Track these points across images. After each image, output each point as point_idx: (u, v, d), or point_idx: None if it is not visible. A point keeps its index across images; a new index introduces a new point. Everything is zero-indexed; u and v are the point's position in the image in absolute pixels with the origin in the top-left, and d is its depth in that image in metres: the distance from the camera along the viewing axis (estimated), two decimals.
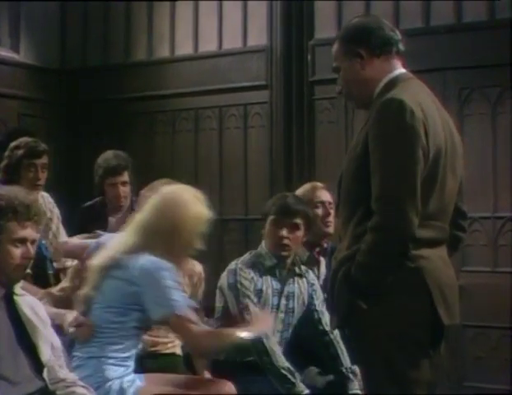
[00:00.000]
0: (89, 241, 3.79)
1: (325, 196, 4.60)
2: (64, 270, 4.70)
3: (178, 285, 3.26)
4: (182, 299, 3.24)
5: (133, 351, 3.38)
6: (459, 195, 3.12)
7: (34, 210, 3.08)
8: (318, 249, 4.58)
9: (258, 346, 3.92)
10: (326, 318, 4.15)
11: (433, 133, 2.91)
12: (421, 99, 2.95)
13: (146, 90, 7.20)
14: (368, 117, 2.98)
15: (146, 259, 3.25)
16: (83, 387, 3.11)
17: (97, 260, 3.37)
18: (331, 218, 4.52)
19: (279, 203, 4.21)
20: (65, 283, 4.01)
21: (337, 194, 3.17)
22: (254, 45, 6.82)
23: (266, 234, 4.22)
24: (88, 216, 5.08)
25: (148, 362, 3.77)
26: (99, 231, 4.18)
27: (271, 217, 4.18)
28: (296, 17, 6.62)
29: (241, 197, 6.69)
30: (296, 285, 4.24)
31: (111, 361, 3.27)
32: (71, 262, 4.61)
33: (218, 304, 4.19)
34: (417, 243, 2.86)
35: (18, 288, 3.13)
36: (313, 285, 4.30)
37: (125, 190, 5.02)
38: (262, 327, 3.45)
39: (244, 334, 3.37)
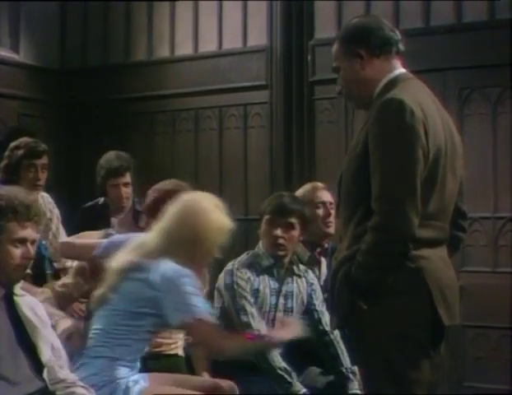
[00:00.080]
0: (98, 241, 3.76)
1: (326, 196, 4.60)
2: (64, 270, 4.70)
3: (198, 291, 3.25)
4: (202, 305, 3.24)
5: (141, 353, 3.38)
6: (459, 195, 3.12)
7: (34, 210, 3.07)
8: (318, 250, 4.58)
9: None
10: (326, 318, 4.15)
11: (433, 133, 2.91)
12: (421, 99, 2.95)
13: (146, 90, 7.20)
14: (368, 117, 2.98)
15: (167, 266, 3.24)
16: (83, 387, 3.10)
17: (116, 262, 3.35)
18: (331, 218, 4.51)
19: (274, 203, 4.21)
20: (67, 279, 4.01)
21: (337, 194, 3.17)
22: (254, 45, 6.82)
23: (262, 234, 4.23)
24: (89, 216, 5.08)
25: (151, 363, 3.77)
26: (109, 230, 4.17)
27: (266, 217, 4.18)
28: (296, 17, 6.62)
29: (241, 197, 6.69)
30: (295, 284, 4.24)
31: (118, 362, 3.27)
32: (71, 263, 4.61)
33: (216, 304, 4.20)
34: (417, 243, 2.86)
35: (18, 288, 3.13)
36: (312, 284, 4.30)
37: (127, 191, 5.02)
38: (286, 332, 3.43)
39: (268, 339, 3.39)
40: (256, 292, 4.12)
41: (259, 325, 4.05)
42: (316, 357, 4.25)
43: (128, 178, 5.02)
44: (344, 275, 2.92)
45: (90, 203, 5.23)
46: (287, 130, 6.58)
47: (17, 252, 3.03)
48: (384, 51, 3.06)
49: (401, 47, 3.10)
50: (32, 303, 3.16)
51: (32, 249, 3.07)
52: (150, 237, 3.37)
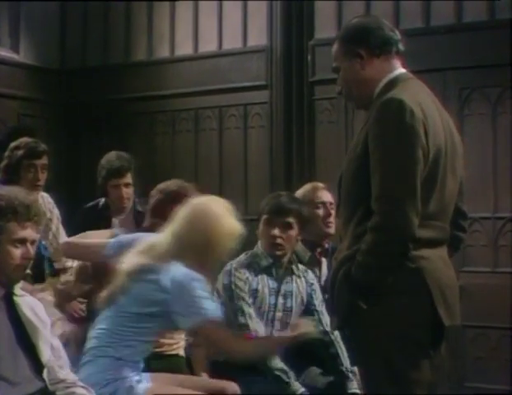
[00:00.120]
0: (102, 241, 3.74)
1: (326, 196, 4.59)
2: (64, 270, 4.70)
3: (208, 294, 3.25)
4: (213, 308, 3.24)
5: (145, 354, 3.38)
6: (459, 195, 3.12)
7: (34, 210, 3.07)
8: (319, 250, 4.57)
9: None
10: (326, 318, 4.15)
11: (433, 133, 2.90)
12: (420, 99, 2.95)
13: (146, 91, 7.20)
14: (368, 117, 2.98)
15: (178, 269, 3.24)
16: (83, 387, 3.10)
17: (126, 262, 3.34)
18: (332, 219, 4.51)
19: (272, 202, 4.20)
20: (69, 277, 3.99)
21: (337, 194, 3.17)
22: (254, 45, 6.82)
23: (260, 234, 4.23)
24: (90, 216, 5.08)
25: (152, 363, 3.77)
26: (116, 230, 4.14)
27: (264, 217, 4.18)
28: (296, 17, 6.62)
29: (241, 197, 6.68)
30: (294, 284, 4.24)
31: (123, 362, 3.26)
32: (71, 263, 4.60)
33: None
34: (417, 243, 2.86)
35: (18, 288, 3.13)
36: (312, 284, 4.30)
37: (128, 191, 5.02)
38: (300, 333, 3.43)
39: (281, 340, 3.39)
40: (255, 292, 4.12)
41: (257, 326, 4.05)
42: (316, 357, 4.24)
43: (129, 178, 5.01)
44: (344, 275, 2.92)
45: (90, 204, 5.23)
46: (287, 130, 6.58)
47: (17, 252, 3.03)
48: (383, 51, 3.06)
49: (401, 47, 3.10)
50: (32, 303, 3.16)
51: (32, 249, 3.07)
52: (160, 239, 3.36)
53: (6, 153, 4.85)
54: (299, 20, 6.62)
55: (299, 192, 4.64)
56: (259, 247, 4.22)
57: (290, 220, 4.15)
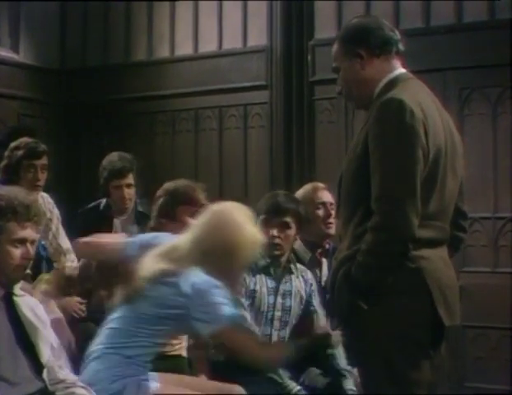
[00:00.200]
0: (123, 241, 3.71)
1: (326, 197, 4.57)
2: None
3: (228, 301, 3.23)
4: (233, 314, 3.21)
5: (155, 355, 3.37)
6: (460, 195, 3.12)
7: (34, 210, 3.07)
8: (319, 250, 4.56)
9: None
10: (323, 319, 4.16)
11: (433, 133, 2.90)
12: (420, 99, 2.95)
13: (146, 91, 7.20)
14: (368, 117, 2.98)
15: (199, 276, 3.22)
16: (83, 387, 3.10)
17: (146, 264, 3.31)
18: (332, 219, 4.49)
19: (269, 202, 4.19)
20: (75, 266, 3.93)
21: (337, 194, 3.17)
22: (254, 45, 6.82)
23: None
24: (92, 217, 5.08)
25: (155, 363, 3.77)
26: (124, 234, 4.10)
27: (261, 217, 4.16)
28: (296, 17, 6.62)
29: (241, 197, 6.67)
30: (293, 283, 4.23)
31: (132, 361, 3.25)
32: (70, 263, 4.61)
33: None
34: (418, 243, 2.86)
35: (18, 289, 3.13)
36: (311, 285, 4.29)
37: (130, 192, 5.02)
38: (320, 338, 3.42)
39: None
40: (253, 292, 4.11)
41: (251, 328, 4.04)
42: (315, 357, 4.24)
43: (130, 179, 5.02)
44: (344, 275, 2.92)
45: (92, 204, 5.22)
46: (287, 130, 6.58)
47: (17, 252, 3.03)
48: (383, 51, 3.06)
49: (401, 47, 3.10)
50: (32, 303, 3.16)
51: (32, 250, 3.07)
52: (181, 243, 3.32)
53: (6, 153, 4.85)
54: (299, 20, 6.62)
55: (299, 193, 4.63)
56: None
57: (288, 219, 4.14)
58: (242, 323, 3.25)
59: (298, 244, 4.48)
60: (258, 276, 4.15)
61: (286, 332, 4.19)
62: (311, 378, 4.21)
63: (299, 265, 4.32)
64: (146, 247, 3.39)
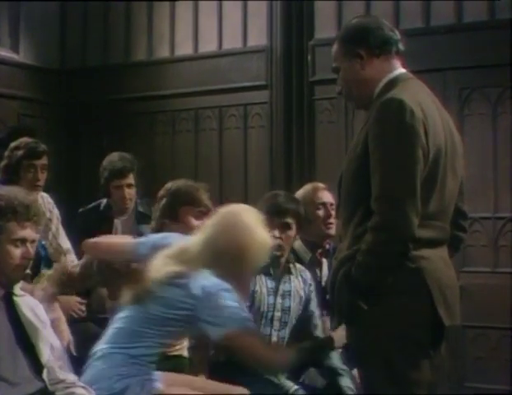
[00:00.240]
0: (133, 241, 3.70)
1: (327, 197, 4.56)
2: None
3: (239, 305, 3.22)
4: (243, 318, 3.21)
5: (160, 355, 3.37)
6: (460, 195, 3.12)
7: (34, 210, 3.07)
8: (320, 250, 4.56)
9: None
10: (318, 320, 4.17)
11: (433, 133, 2.90)
12: (420, 98, 2.95)
13: (146, 91, 7.20)
14: (368, 117, 2.98)
15: (209, 279, 3.21)
16: (83, 387, 3.10)
17: (156, 265, 3.31)
18: (332, 220, 4.48)
19: (270, 203, 4.16)
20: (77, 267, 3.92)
21: (337, 195, 3.16)
22: (254, 45, 6.83)
23: None
24: (92, 217, 5.08)
25: (156, 363, 3.77)
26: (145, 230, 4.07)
27: (262, 217, 4.14)
28: (296, 17, 6.62)
29: (241, 197, 6.68)
30: (292, 283, 4.23)
31: (137, 360, 3.24)
32: (70, 263, 4.60)
33: None
34: (418, 243, 2.86)
35: (18, 289, 3.13)
36: (310, 285, 4.29)
37: (130, 192, 5.02)
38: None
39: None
40: (252, 293, 4.10)
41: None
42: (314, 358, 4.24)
43: (131, 179, 5.01)
44: (344, 275, 2.92)
45: (92, 204, 5.21)
46: (287, 130, 6.58)
47: (17, 252, 3.03)
48: (383, 51, 3.06)
49: (400, 47, 3.10)
50: (32, 303, 3.16)
51: (32, 249, 3.07)
52: (192, 245, 3.31)
53: (6, 153, 4.85)
54: (299, 20, 6.62)
55: (299, 193, 4.62)
56: None
57: (289, 220, 4.13)
58: (251, 327, 3.24)
59: (298, 244, 4.47)
60: (257, 277, 4.14)
61: (286, 333, 4.19)
62: (311, 377, 4.21)
63: (298, 265, 4.32)
64: (157, 247, 3.39)
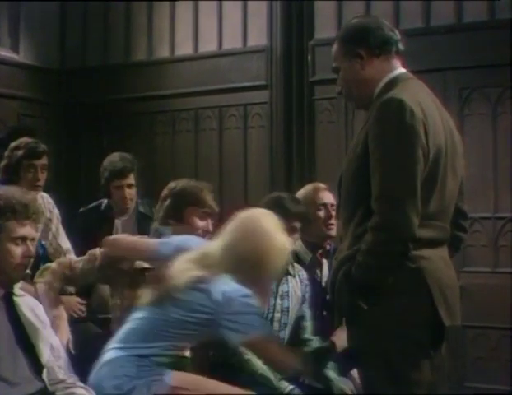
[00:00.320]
0: (154, 240, 3.69)
1: (328, 198, 4.53)
2: None
3: (258, 310, 3.23)
4: (262, 324, 3.23)
5: (171, 357, 3.36)
6: (460, 195, 3.12)
7: (33, 208, 3.08)
8: (320, 251, 4.54)
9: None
10: (309, 322, 4.18)
11: (433, 133, 2.90)
12: (420, 98, 2.95)
13: (146, 91, 7.20)
14: (368, 117, 2.98)
15: (229, 284, 3.21)
16: (82, 388, 3.11)
17: (177, 268, 3.30)
18: (333, 220, 4.46)
19: (277, 206, 4.05)
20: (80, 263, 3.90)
21: (337, 195, 3.16)
22: (254, 45, 6.82)
23: None
24: (92, 217, 5.08)
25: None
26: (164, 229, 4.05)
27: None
28: (296, 17, 6.61)
29: (241, 197, 6.68)
30: (290, 283, 4.22)
31: (148, 361, 3.23)
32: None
33: None
34: (418, 243, 2.86)
35: (18, 289, 3.13)
36: (307, 285, 4.28)
37: (131, 192, 5.02)
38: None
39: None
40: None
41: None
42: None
43: (131, 179, 5.01)
44: (344, 275, 2.92)
45: (93, 205, 5.21)
46: (287, 130, 6.58)
47: (18, 250, 3.03)
48: (383, 51, 3.06)
49: (400, 47, 3.10)
50: (32, 303, 3.16)
51: (32, 247, 3.07)
52: (212, 250, 3.31)
53: (6, 153, 4.85)
54: (299, 20, 6.61)
55: (300, 193, 4.59)
56: None
57: (297, 224, 4.09)
58: (270, 332, 3.25)
59: (299, 245, 4.46)
60: None
61: (286, 333, 4.18)
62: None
63: (295, 264, 4.31)
64: (179, 250, 3.39)
